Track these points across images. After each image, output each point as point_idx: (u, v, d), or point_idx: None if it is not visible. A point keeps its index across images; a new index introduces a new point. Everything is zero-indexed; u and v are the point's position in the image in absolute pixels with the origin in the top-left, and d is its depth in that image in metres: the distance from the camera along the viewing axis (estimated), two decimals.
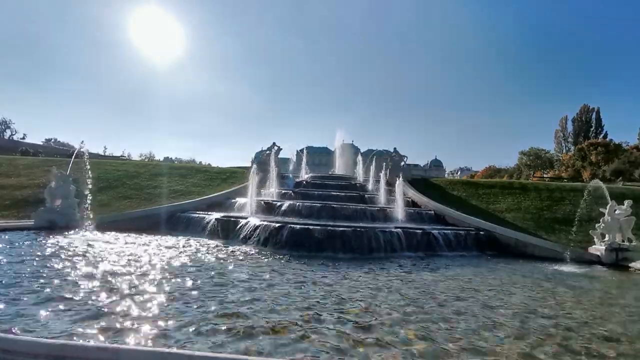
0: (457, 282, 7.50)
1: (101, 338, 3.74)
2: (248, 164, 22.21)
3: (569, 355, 3.96)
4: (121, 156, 68.34)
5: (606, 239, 12.24)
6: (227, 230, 11.79)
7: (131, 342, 3.68)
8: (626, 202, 12.38)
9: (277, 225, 10.92)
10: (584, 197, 13.38)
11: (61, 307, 4.55)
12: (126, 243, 9.91)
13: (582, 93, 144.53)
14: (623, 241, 12.12)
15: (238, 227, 11.54)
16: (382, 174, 19.86)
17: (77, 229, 11.70)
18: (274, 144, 21.86)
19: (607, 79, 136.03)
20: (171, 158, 79.19)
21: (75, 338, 3.67)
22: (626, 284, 9.29)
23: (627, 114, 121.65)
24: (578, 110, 66.07)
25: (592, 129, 64.00)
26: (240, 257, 8.91)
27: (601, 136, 60.87)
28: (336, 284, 6.71)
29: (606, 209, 12.34)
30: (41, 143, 64.70)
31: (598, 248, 12.24)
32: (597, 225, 12.47)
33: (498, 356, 3.81)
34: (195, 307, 4.85)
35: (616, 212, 12.30)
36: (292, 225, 10.87)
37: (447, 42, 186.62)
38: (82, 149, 14.45)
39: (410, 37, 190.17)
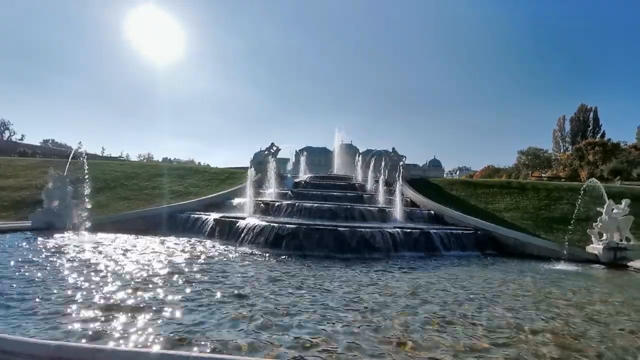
0: (454, 283, 7.51)
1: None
2: (247, 165, 22.16)
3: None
4: (119, 157, 68.27)
5: (604, 238, 12.26)
6: (226, 231, 11.77)
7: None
8: (624, 201, 12.42)
9: (276, 225, 10.91)
10: (581, 196, 13.42)
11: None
12: (122, 244, 9.89)
13: (580, 93, 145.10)
14: (621, 240, 12.14)
15: (236, 227, 11.52)
16: (380, 174, 19.87)
17: (74, 230, 11.66)
18: (272, 144, 21.82)
19: (606, 79, 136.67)
20: (170, 159, 79.18)
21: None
22: (622, 282, 9.31)
23: (625, 113, 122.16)
24: (576, 110, 66.33)
25: (589, 129, 64.12)
26: (238, 257, 8.90)
27: (599, 136, 60.96)
28: (338, 285, 6.70)
29: (604, 208, 12.37)
30: (39, 144, 64.52)
31: (596, 247, 12.26)
32: (594, 224, 12.50)
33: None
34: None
35: (614, 211, 12.33)
36: (291, 226, 10.87)
37: (446, 42, 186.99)
38: (79, 150, 14.41)
39: (410, 37, 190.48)
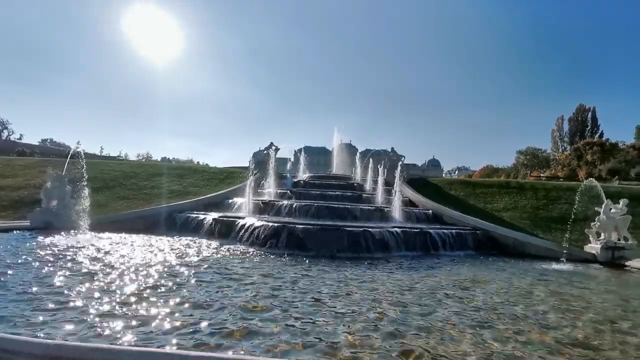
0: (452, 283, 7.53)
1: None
2: (246, 164, 22.17)
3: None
4: (118, 156, 68.15)
5: (602, 237, 12.31)
6: (225, 231, 11.76)
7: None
8: (622, 201, 12.46)
9: (275, 225, 10.91)
10: (580, 196, 13.47)
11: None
12: (120, 243, 9.89)
13: (580, 93, 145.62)
14: (619, 240, 12.18)
15: (235, 227, 11.52)
16: (379, 174, 19.87)
17: (72, 230, 11.63)
18: (271, 143, 21.83)
19: (605, 79, 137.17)
20: (169, 158, 79.14)
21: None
22: (619, 281, 9.35)
23: (624, 113, 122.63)
24: (574, 110, 66.53)
25: (587, 129, 64.41)
26: (237, 258, 8.90)
27: (597, 136, 61.22)
28: (339, 284, 6.72)
29: (602, 207, 12.41)
30: (37, 143, 64.34)
31: (594, 247, 12.30)
32: (592, 224, 12.54)
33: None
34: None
35: (612, 210, 12.37)
36: (290, 225, 10.87)
37: (446, 42, 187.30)
38: (78, 149, 14.38)
39: (410, 37, 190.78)
